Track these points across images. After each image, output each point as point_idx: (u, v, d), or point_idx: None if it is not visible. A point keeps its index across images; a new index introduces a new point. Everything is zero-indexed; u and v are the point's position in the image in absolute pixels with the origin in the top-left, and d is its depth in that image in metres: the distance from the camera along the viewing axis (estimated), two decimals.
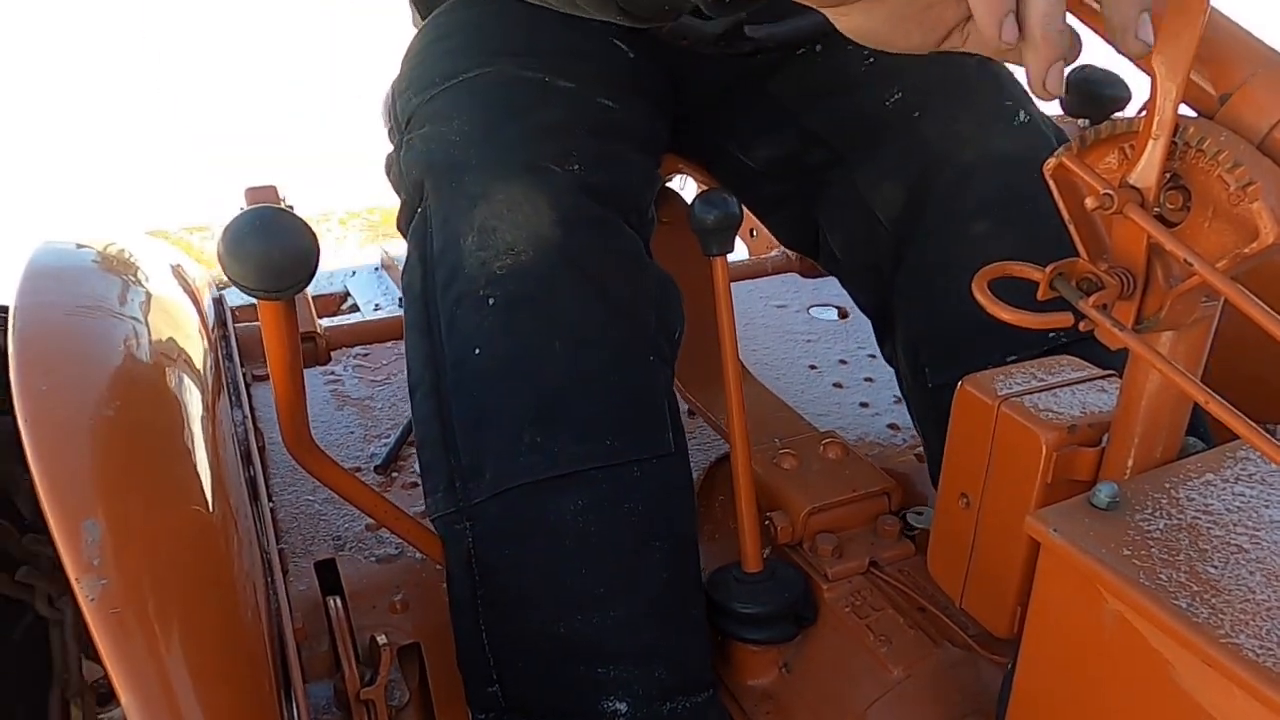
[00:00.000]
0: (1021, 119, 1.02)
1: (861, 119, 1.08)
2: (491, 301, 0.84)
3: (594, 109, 0.96)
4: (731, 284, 1.01)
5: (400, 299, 2.87)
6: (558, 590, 0.84)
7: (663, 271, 0.96)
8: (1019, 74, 0.98)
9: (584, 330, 0.85)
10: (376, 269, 2.97)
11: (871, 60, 1.06)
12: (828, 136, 1.10)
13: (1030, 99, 1.04)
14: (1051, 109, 1.49)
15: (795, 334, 1.75)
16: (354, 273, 2.95)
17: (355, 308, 2.85)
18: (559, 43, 1.00)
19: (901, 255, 1.07)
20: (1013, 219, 0.98)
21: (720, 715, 0.88)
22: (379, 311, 2.80)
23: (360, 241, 2.91)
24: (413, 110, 1.00)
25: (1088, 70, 1.30)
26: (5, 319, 0.73)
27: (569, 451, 0.83)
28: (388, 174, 1.05)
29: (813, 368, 1.65)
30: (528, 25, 1.01)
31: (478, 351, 0.84)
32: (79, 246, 0.91)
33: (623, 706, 0.82)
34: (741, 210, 1.00)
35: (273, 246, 0.61)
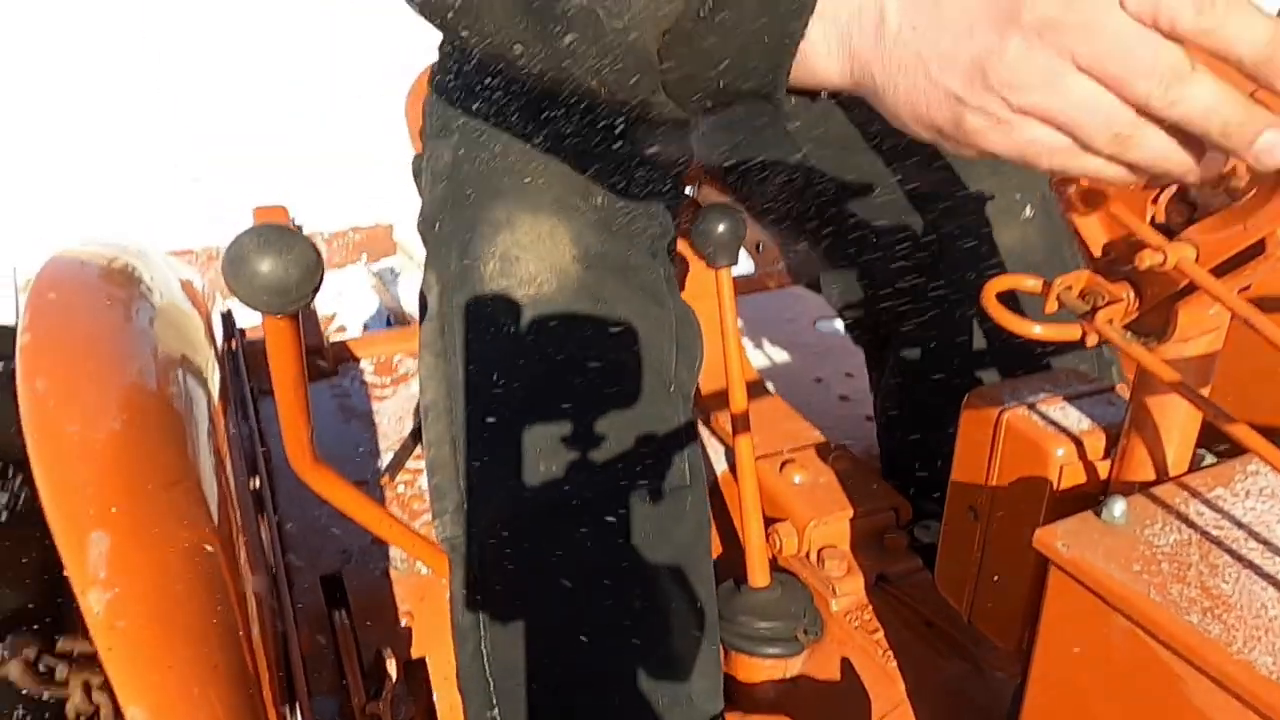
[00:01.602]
0: (1027, 214, 1.03)
1: (866, 185, 1.09)
2: (510, 330, 0.84)
3: (616, 145, 0.94)
4: (738, 297, 1.01)
5: (388, 317, 2.88)
6: (563, 619, 0.83)
7: (683, 305, 0.96)
8: None
9: (602, 365, 0.85)
10: (363, 289, 2.98)
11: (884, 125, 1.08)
12: (835, 193, 1.11)
13: (1037, 188, 1.05)
14: None
15: (801, 347, 1.75)
16: (340, 293, 2.97)
17: (343, 328, 2.86)
18: None
19: (892, 332, 1.13)
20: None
21: None
22: (368, 332, 2.81)
23: (344, 261, 2.94)
24: (448, 116, 0.98)
25: None
26: (13, 335, 0.73)
27: (581, 482, 0.82)
28: (416, 179, 1.04)
29: (819, 380, 1.64)
30: None
31: (494, 378, 0.84)
32: (86, 261, 0.91)
33: None
34: (746, 224, 1.00)
35: (277, 263, 0.62)
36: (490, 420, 0.84)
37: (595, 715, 0.82)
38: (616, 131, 0.93)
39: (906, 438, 1.15)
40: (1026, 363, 1.01)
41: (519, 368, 0.84)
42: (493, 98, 0.96)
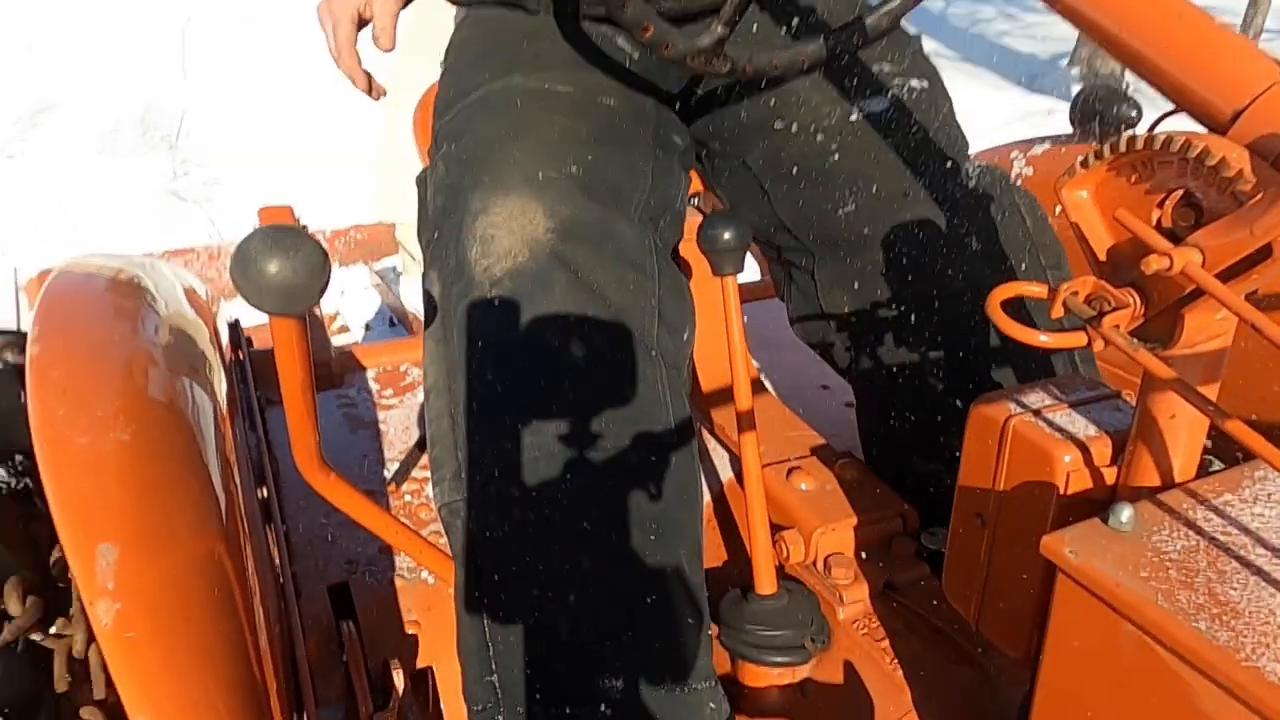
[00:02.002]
0: (973, 248, 1.06)
1: (818, 218, 1.13)
2: (494, 302, 0.88)
3: (594, 110, 1.00)
4: (744, 304, 1.01)
5: (390, 318, 2.88)
6: (553, 571, 0.85)
7: (674, 274, 0.98)
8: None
9: (576, 326, 0.88)
10: (366, 288, 2.98)
11: (836, 158, 1.11)
12: (791, 224, 1.15)
13: (979, 219, 1.07)
14: (1062, 127, 1.50)
15: (807, 354, 1.74)
16: (342, 292, 2.97)
17: (345, 328, 2.86)
18: (563, 49, 1.05)
19: (849, 360, 1.17)
20: (953, 351, 1.06)
21: (721, 705, 0.87)
22: (371, 332, 2.81)
23: (346, 260, 2.94)
24: (437, 130, 1.07)
25: (1097, 88, 1.31)
26: (21, 343, 0.74)
27: (564, 440, 0.85)
28: (419, 189, 1.09)
29: (825, 388, 1.64)
30: (534, 32, 1.06)
31: (479, 344, 0.88)
32: (93, 273, 0.92)
33: (618, 685, 0.82)
34: (750, 231, 1.01)
35: (284, 264, 0.62)
36: (480, 389, 0.88)
37: (590, 664, 0.83)
38: (581, 98, 0.99)
39: (886, 454, 1.20)
40: (993, 370, 1.05)
41: (501, 338, 0.88)
42: (470, 97, 1.03)
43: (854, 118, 1.10)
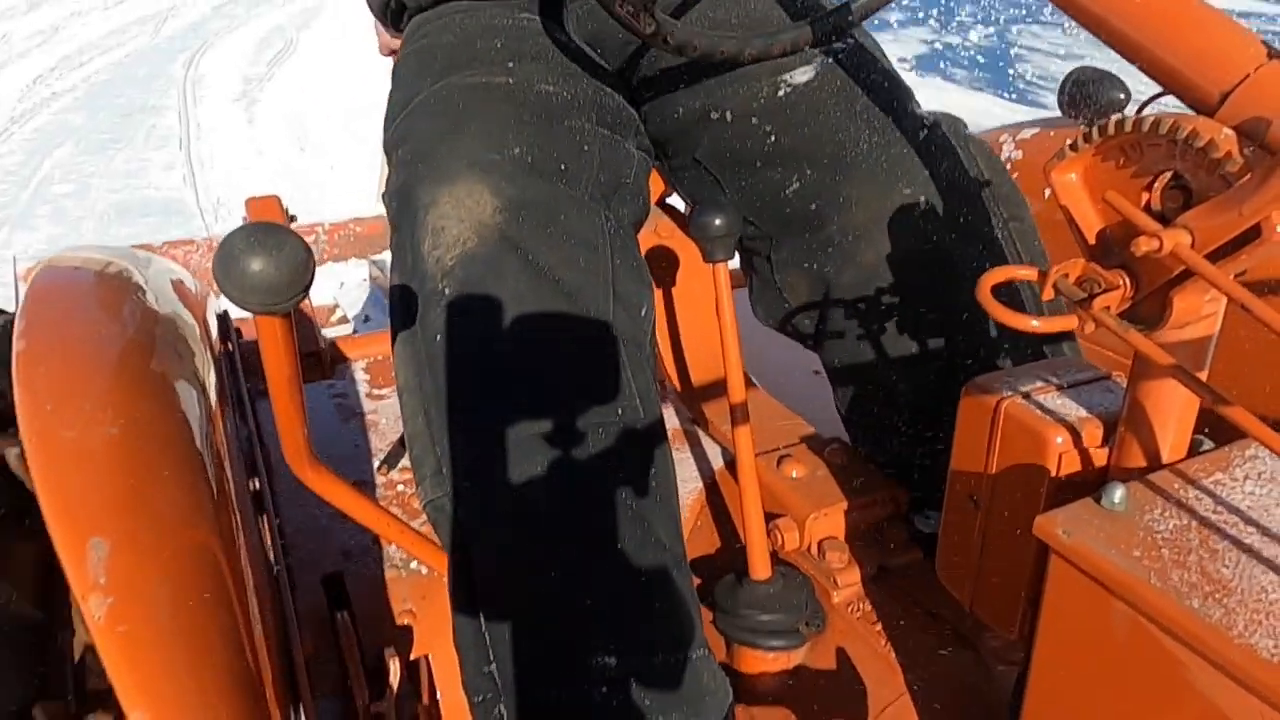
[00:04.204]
0: (922, 206, 1.04)
1: (769, 202, 1.12)
2: (448, 292, 0.88)
3: (533, 96, 1.00)
4: (735, 291, 1.01)
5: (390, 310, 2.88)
6: (535, 557, 0.85)
7: (629, 253, 0.97)
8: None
9: (530, 309, 0.88)
10: (364, 280, 2.98)
11: (773, 139, 1.10)
12: (747, 212, 1.14)
13: (928, 176, 1.05)
14: (1050, 109, 1.50)
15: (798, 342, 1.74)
16: (341, 284, 2.96)
17: (344, 319, 2.86)
18: (497, 44, 1.05)
19: (816, 342, 1.16)
20: (919, 315, 1.05)
21: (716, 676, 0.88)
22: (369, 323, 2.80)
23: (344, 254, 2.95)
24: (385, 144, 1.07)
25: (1085, 71, 1.31)
26: (9, 326, 0.73)
27: (527, 423, 0.85)
28: (385, 207, 1.08)
29: (817, 373, 1.64)
30: (469, 34, 1.07)
31: (438, 339, 0.89)
32: (80, 266, 0.91)
33: (611, 660, 0.83)
34: (740, 218, 1.01)
35: (267, 262, 0.61)
36: (446, 383, 0.88)
37: (581, 639, 0.84)
38: (519, 86, 0.99)
39: (864, 433, 1.20)
40: (953, 334, 1.04)
41: (459, 329, 0.88)
42: (411, 104, 1.03)
43: (782, 93, 1.09)
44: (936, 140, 1.07)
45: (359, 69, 6.03)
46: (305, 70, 7.70)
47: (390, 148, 1.04)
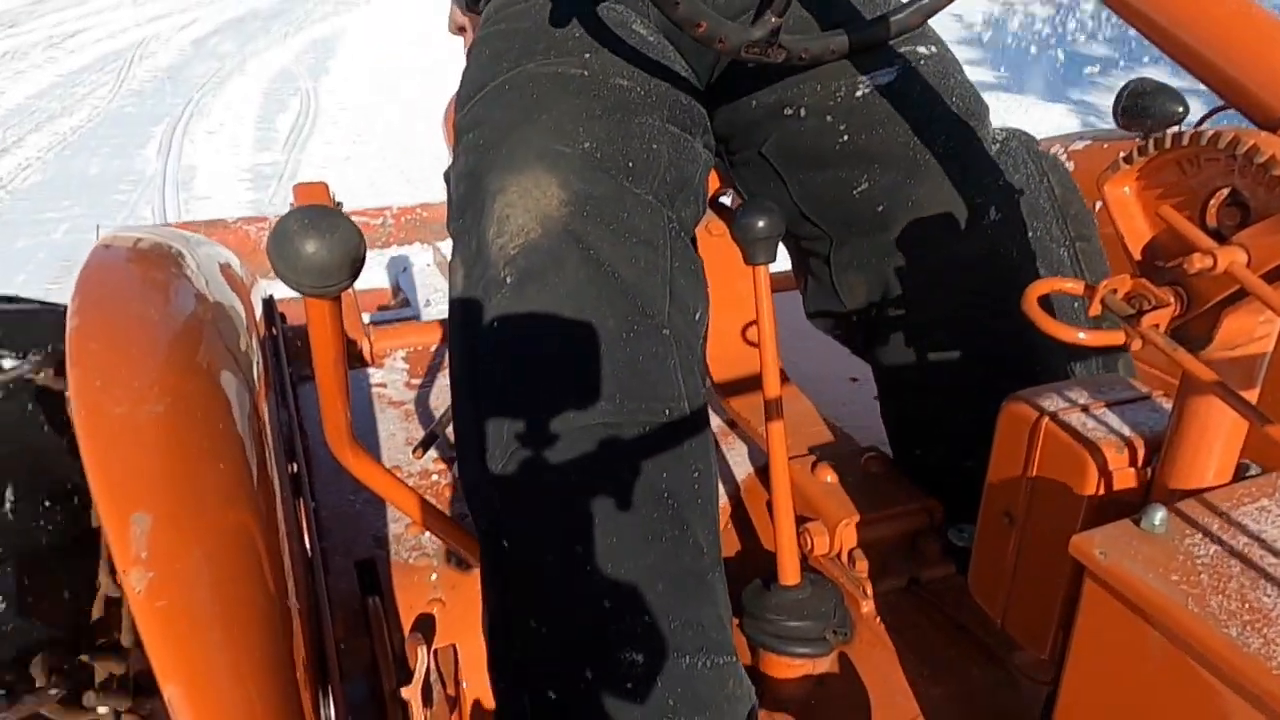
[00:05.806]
0: (990, 216, 1.03)
1: (834, 201, 1.12)
2: (508, 280, 0.89)
3: (607, 89, 1.00)
4: (775, 294, 1.00)
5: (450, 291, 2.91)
6: (571, 548, 0.85)
7: (688, 253, 0.98)
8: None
9: (587, 302, 0.88)
10: (429, 265, 3.02)
11: (845, 138, 1.09)
12: (810, 211, 1.14)
13: (999, 186, 1.05)
14: (1105, 122, 1.47)
15: (837, 346, 1.73)
16: (405, 269, 3.01)
17: (407, 302, 2.90)
18: (575, 36, 1.05)
19: (868, 346, 1.16)
20: (972, 328, 1.05)
21: (741, 683, 0.88)
22: (429, 307, 2.84)
23: (410, 239, 2.99)
24: (458, 125, 1.08)
25: (1142, 83, 1.28)
26: (63, 319, 0.75)
27: (573, 412, 0.86)
28: (446, 185, 1.09)
29: (854, 380, 1.63)
30: (547, 21, 1.07)
31: (495, 325, 0.89)
32: (133, 246, 0.93)
33: (639, 658, 0.82)
34: (784, 220, 1.00)
35: (320, 245, 0.63)
36: (498, 370, 0.89)
37: (612, 636, 0.84)
38: (595, 79, 0.99)
39: (910, 442, 1.19)
40: (1013, 350, 1.03)
41: (519, 315, 0.89)
42: (486, 89, 1.03)
43: (860, 94, 1.09)
44: (1010, 153, 1.06)
45: (431, 143, 4.26)
46: (343, 148, 5.33)
47: (463, 129, 1.05)
